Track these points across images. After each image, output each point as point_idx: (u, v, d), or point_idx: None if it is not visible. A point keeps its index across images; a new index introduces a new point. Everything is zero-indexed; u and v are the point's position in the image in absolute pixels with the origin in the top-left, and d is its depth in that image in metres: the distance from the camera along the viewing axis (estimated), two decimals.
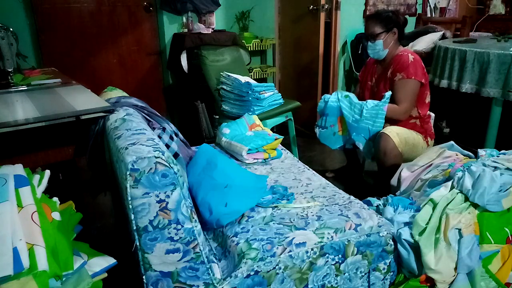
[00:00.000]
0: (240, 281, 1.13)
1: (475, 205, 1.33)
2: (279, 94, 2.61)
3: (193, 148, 1.81)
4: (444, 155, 1.66)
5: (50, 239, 0.98)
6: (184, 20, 3.37)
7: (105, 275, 1.09)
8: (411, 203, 1.46)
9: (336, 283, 1.27)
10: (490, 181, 1.32)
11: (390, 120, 2.09)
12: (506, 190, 1.32)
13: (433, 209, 1.34)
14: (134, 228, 1.02)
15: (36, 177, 1.16)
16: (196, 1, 3.30)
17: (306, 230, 1.26)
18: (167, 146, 1.45)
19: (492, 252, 1.29)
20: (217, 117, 2.71)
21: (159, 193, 1.00)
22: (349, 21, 3.68)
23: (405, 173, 1.70)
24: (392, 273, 1.35)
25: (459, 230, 1.29)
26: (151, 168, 0.99)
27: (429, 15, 4.21)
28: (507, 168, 1.39)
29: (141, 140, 1.09)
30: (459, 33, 3.75)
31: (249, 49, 3.40)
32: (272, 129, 2.29)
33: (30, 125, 1.26)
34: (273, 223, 1.30)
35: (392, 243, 1.32)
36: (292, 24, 3.67)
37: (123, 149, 1.05)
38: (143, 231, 1.02)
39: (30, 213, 0.99)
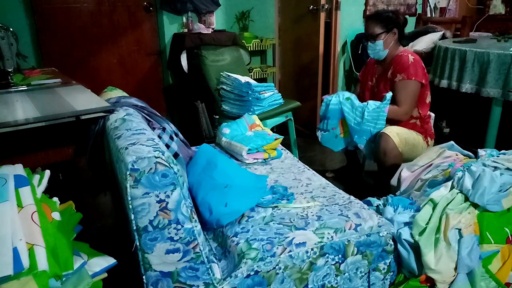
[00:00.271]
0: (240, 281, 1.13)
1: (475, 205, 1.33)
2: (279, 94, 2.61)
3: (193, 148, 1.81)
4: (444, 155, 1.66)
5: (50, 239, 0.98)
6: (184, 20, 3.37)
7: (105, 275, 1.09)
8: (411, 203, 1.46)
9: (336, 283, 1.27)
10: (490, 181, 1.32)
11: (391, 121, 2.09)
12: (506, 190, 1.32)
13: (433, 209, 1.34)
14: (134, 228, 1.02)
15: (36, 177, 1.16)
16: (196, 1, 3.30)
17: (306, 230, 1.26)
18: (167, 146, 1.45)
19: (492, 252, 1.29)
20: (217, 117, 2.72)
21: (159, 193, 1.00)
22: (349, 21, 3.68)
23: (405, 173, 1.70)
24: (392, 273, 1.35)
25: (459, 230, 1.29)
26: (151, 168, 0.99)
27: (429, 15, 4.21)
28: (507, 168, 1.39)
29: (141, 140, 1.09)
30: (459, 33, 3.75)
31: (249, 49, 3.40)
32: (272, 129, 2.29)
33: (30, 125, 1.26)
34: (273, 223, 1.30)
35: (392, 243, 1.32)
36: (292, 24, 3.67)
37: (123, 149, 1.05)
38: (143, 231, 1.02)
39: (30, 213, 0.99)
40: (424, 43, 3.37)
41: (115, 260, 1.11)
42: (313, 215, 1.34)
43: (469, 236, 1.27)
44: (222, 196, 1.32)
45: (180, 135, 1.68)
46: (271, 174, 1.71)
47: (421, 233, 1.29)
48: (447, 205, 1.33)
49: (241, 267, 1.14)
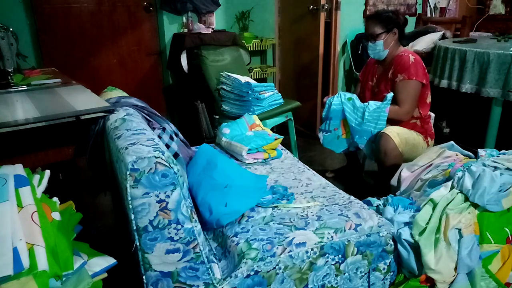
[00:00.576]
0: (240, 281, 1.13)
1: (475, 205, 1.33)
2: (279, 94, 2.61)
3: (193, 148, 1.81)
4: (444, 155, 1.66)
5: (50, 239, 0.98)
6: (184, 20, 3.37)
7: (105, 275, 1.09)
8: (411, 203, 1.46)
9: (336, 283, 1.27)
10: (490, 181, 1.32)
11: (392, 121, 2.09)
12: (506, 190, 1.32)
13: (433, 209, 1.34)
14: (134, 228, 1.02)
15: (36, 177, 1.16)
16: (196, 1, 3.30)
17: (306, 230, 1.26)
18: (167, 146, 1.45)
19: (492, 252, 1.29)
20: (217, 117, 2.71)
21: (159, 193, 1.00)
22: (349, 21, 3.68)
23: (405, 173, 1.70)
24: (392, 273, 1.35)
25: (459, 230, 1.29)
26: (151, 168, 0.99)
27: (429, 15, 4.21)
28: (507, 168, 1.39)
29: (141, 140, 1.09)
30: (459, 33, 3.75)
31: (249, 49, 3.40)
32: (272, 129, 2.29)
33: (30, 125, 1.26)
34: (273, 223, 1.30)
35: (392, 243, 1.32)
36: (292, 24, 3.67)
37: (123, 149, 1.05)
38: (143, 231, 1.02)
39: (30, 213, 0.99)
40: (424, 43, 3.37)
41: (115, 260, 1.11)
42: (313, 215, 1.34)
43: (469, 236, 1.27)
44: (222, 196, 1.32)
45: (180, 135, 1.68)
46: (271, 174, 1.71)
47: (421, 233, 1.28)
48: (447, 205, 1.33)
49: (241, 267, 1.14)
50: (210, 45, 3.05)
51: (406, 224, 1.35)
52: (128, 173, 0.97)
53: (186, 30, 3.36)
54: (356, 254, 1.27)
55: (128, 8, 3.31)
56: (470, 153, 1.67)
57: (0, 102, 1.53)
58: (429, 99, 2.17)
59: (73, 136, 1.42)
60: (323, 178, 1.68)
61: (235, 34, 3.27)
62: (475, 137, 2.80)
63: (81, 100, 1.55)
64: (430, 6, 4.21)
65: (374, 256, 1.30)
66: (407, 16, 2.97)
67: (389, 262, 1.33)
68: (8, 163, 1.16)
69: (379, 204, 1.51)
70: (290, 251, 1.19)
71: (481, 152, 1.58)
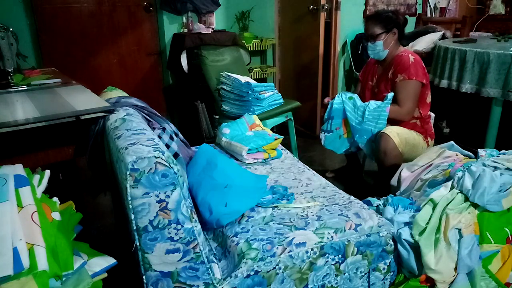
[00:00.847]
0: (240, 281, 1.13)
1: (475, 205, 1.33)
2: (279, 94, 2.61)
3: (193, 148, 1.81)
4: (444, 155, 1.66)
5: (50, 239, 0.98)
6: (184, 20, 3.37)
7: (105, 275, 1.09)
8: (411, 203, 1.46)
9: (336, 283, 1.27)
10: (490, 181, 1.32)
11: (392, 120, 2.09)
12: (506, 190, 1.32)
13: (433, 209, 1.34)
14: (134, 228, 1.02)
15: (36, 177, 1.16)
16: (196, 1, 3.30)
17: (306, 230, 1.26)
18: (167, 146, 1.45)
19: (492, 252, 1.29)
20: (217, 117, 2.72)
21: (159, 193, 1.00)
22: (349, 21, 3.68)
23: (405, 173, 1.70)
24: (392, 273, 1.35)
25: (459, 230, 1.28)
26: (151, 168, 0.99)
27: (429, 15, 4.21)
28: (507, 168, 1.39)
29: (141, 140, 1.09)
30: (459, 33, 3.75)
31: (249, 49, 3.40)
32: (272, 129, 2.29)
33: (30, 125, 1.26)
34: (273, 223, 1.30)
35: (392, 243, 1.32)
36: (292, 24, 3.67)
37: (123, 149, 1.05)
38: (143, 231, 1.02)
39: (30, 213, 0.99)
40: (424, 43, 3.37)
41: (115, 260, 1.11)
42: (313, 215, 1.34)
43: (469, 236, 1.27)
44: (222, 196, 1.32)
45: (180, 135, 1.68)
46: (271, 174, 1.71)
47: (421, 233, 1.28)
48: (447, 205, 1.33)
49: (241, 267, 1.14)
50: (210, 45, 3.05)
51: (406, 224, 1.35)
52: (128, 173, 0.97)
53: (186, 30, 3.36)
54: (356, 254, 1.27)
55: (128, 8, 3.31)
56: (470, 153, 1.67)
57: (0, 102, 1.53)
58: (429, 99, 2.17)
59: (73, 136, 1.42)
60: (323, 178, 1.68)
61: (235, 34, 3.27)
62: (475, 137, 2.80)
63: (81, 100, 1.55)
64: (430, 6, 4.21)
65: (374, 256, 1.30)
66: (407, 16, 2.97)
67: (389, 262, 1.33)
68: (8, 163, 1.15)
69: (379, 204, 1.51)
70: (290, 251, 1.19)
71: (481, 152, 1.58)
